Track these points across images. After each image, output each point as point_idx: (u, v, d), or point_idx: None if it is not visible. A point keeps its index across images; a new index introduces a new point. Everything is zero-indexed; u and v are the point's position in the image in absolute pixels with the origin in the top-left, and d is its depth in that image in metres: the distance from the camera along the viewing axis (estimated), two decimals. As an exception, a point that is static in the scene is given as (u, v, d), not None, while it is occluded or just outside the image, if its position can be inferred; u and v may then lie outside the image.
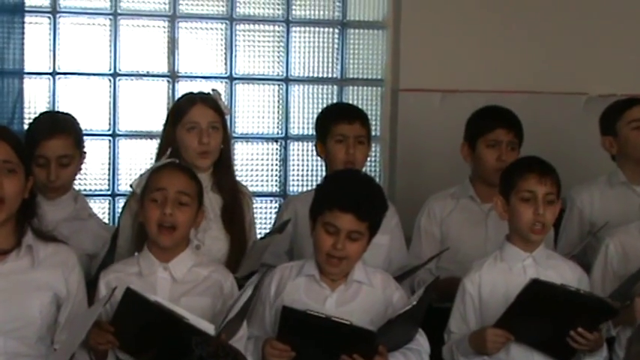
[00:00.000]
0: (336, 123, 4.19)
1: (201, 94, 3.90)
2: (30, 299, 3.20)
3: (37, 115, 4.14)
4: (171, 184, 3.38)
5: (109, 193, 5.22)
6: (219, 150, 3.85)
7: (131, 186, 3.48)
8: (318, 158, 4.45)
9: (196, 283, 3.43)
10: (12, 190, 3.13)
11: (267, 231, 4.61)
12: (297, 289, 3.43)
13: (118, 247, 3.71)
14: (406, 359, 3.41)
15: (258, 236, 4.16)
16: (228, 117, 3.90)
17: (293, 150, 5.43)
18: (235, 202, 3.89)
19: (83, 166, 4.06)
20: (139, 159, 5.20)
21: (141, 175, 3.48)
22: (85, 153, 4.02)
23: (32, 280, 3.20)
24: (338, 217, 3.36)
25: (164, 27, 5.23)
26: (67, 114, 4.15)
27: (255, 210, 4.20)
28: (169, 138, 3.82)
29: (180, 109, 3.85)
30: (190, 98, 3.87)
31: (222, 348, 2.00)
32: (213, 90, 3.94)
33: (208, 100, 3.86)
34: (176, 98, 5.08)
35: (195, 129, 3.80)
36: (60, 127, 3.92)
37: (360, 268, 3.49)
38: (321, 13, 5.42)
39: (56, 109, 5.04)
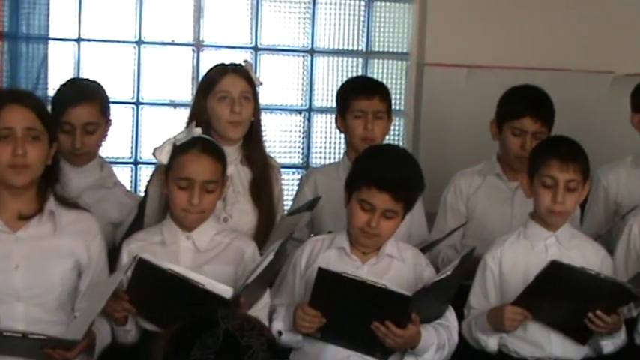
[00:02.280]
0: (355, 98, 4.18)
1: (232, 64, 3.86)
2: (51, 265, 3.20)
3: (63, 82, 4.12)
4: (198, 174, 3.35)
5: (132, 161, 5.23)
6: (250, 122, 3.82)
7: (154, 154, 3.45)
8: (340, 131, 4.46)
9: (218, 251, 3.44)
10: (36, 157, 3.13)
11: (290, 203, 4.62)
12: (327, 261, 3.42)
13: (145, 216, 3.70)
14: (437, 333, 3.39)
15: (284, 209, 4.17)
16: (258, 89, 3.87)
17: (316, 122, 5.42)
18: (264, 175, 3.87)
19: (108, 134, 4.06)
20: (162, 127, 5.19)
21: (163, 144, 3.44)
22: (110, 121, 4.00)
23: (54, 247, 3.21)
24: (374, 196, 3.35)
25: (190, -5, 5.23)
26: (93, 81, 4.14)
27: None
28: (200, 108, 3.79)
29: (212, 79, 3.81)
30: (222, 68, 3.83)
31: (247, 321, 2.00)
32: (245, 61, 3.92)
33: (240, 71, 3.82)
34: (200, 68, 5.12)
35: (227, 98, 3.76)
36: (86, 94, 3.91)
37: (392, 242, 3.48)
38: (348, -16, 5.41)
39: (80, 76, 5.04)
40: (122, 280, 3.17)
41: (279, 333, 3.33)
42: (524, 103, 4.16)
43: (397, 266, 3.48)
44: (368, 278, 3.23)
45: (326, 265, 3.33)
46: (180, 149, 3.40)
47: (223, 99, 3.76)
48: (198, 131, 3.47)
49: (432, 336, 3.37)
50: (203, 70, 4.16)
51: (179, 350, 1.94)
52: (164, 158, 3.41)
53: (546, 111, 4.16)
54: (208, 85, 3.81)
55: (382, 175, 3.37)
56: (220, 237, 3.46)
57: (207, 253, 3.42)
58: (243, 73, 3.82)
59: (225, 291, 3.10)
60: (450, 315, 3.47)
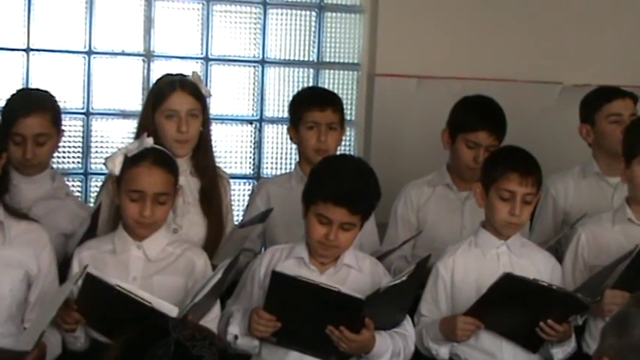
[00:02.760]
0: (308, 110, 4.18)
1: (181, 78, 3.84)
2: (0, 276, 3.18)
3: (13, 92, 4.08)
4: (150, 187, 3.34)
5: (82, 171, 5.19)
6: (199, 134, 3.81)
7: (105, 164, 3.44)
8: (293, 141, 4.47)
9: (169, 262, 3.43)
10: None
11: (240, 213, 4.60)
12: (286, 272, 3.43)
13: (97, 227, 3.69)
14: (393, 340, 3.40)
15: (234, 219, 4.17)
16: (209, 100, 3.86)
17: (267, 132, 5.41)
18: (214, 186, 3.87)
19: (59, 144, 4.02)
20: (112, 138, 5.17)
21: (114, 154, 3.42)
22: (62, 131, 3.97)
23: (3, 258, 3.19)
24: (331, 210, 3.34)
25: (140, 5, 5.18)
26: (44, 91, 4.09)
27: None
28: (148, 121, 3.78)
29: (160, 95, 3.79)
30: (170, 83, 3.81)
31: (199, 331, 1.99)
32: (193, 73, 3.90)
33: (188, 86, 3.80)
34: (151, 78, 5.10)
35: (174, 117, 3.76)
36: (37, 104, 3.87)
37: (350, 252, 3.49)
38: (299, -5, 5.41)
39: (29, 86, 5.00)
40: (72, 290, 3.14)
41: (235, 337, 3.32)
42: (480, 116, 4.16)
43: (355, 276, 3.48)
44: (321, 282, 3.25)
45: None
46: (131, 160, 3.38)
47: (170, 117, 3.76)
48: (150, 142, 3.44)
49: (386, 342, 3.38)
50: (153, 81, 4.14)
51: (130, 360, 1.94)
52: (116, 169, 3.38)
53: (501, 125, 4.18)
54: (156, 100, 3.80)
55: (338, 189, 3.36)
56: (172, 247, 3.45)
57: (158, 264, 3.41)
58: (191, 89, 3.80)
59: (171, 310, 3.08)
60: (408, 324, 3.49)
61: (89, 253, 3.39)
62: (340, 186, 3.37)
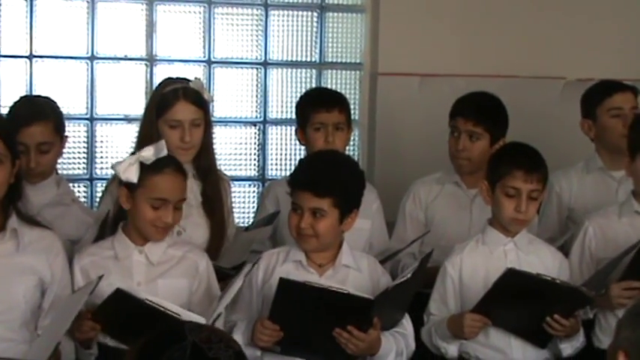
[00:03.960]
0: (315, 111, 4.20)
1: (184, 87, 3.82)
2: (14, 283, 3.19)
3: (16, 100, 4.09)
4: (174, 194, 3.40)
5: (87, 177, 5.20)
6: (201, 141, 3.82)
7: (115, 169, 3.44)
8: (297, 142, 4.49)
9: (172, 264, 3.45)
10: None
11: (246, 215, 4.62)
12: (286, 275, 3.43)
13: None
14: (395, 340, 3.42)
15: (237, 221, 4.17)
16: (212, 104, 3.87)
17: (271, 134, 5.41)
18: (216, 189, 3.89)
19: (63, 151, 4.03)
20: (117, 142, 5.17)
21: (126, 161, 3.42)
22: (66, 137, 3.99)
23: (17, 264, 3.20)
24: (299, 196, 3.40)
25: (142, 10, 5.18)
26: (46, 98, 4.10)
27: (233, 194, 4.19)
28: (151, 127, 3.79)
29: (163, 104, 3.80)
30: (173, 92, 3.81)
31: (215, 334, 2.00)
32: (195, 79, 3.89)
33: (190, 95, 3.80)
34: (154, 82, 5.09)
35: (178, 127, 3.77)
36: (39, 113, 3.88)
37: (347, 252, 3.51)
38: (300, -4, 5.41)
39: (33, 93, 5.00)
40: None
41: None
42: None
43: (354, 276, 3.49)
44: (330, 285, 3.25)
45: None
46: (152, 168, 3.39)
47: (173, 127, 3.77)
48: (165, 150, 3.46)
49: (390, 343, 3.39)
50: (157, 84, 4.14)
51: (147, 364, 1.94)
52: (133, 176, 3.38)
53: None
54: (159, 109, 3.80)
55: (302, 174, 3.44)
56: (173, 250, 3.48)
57: (161, 267, 3.43)
58: (194, 98, 3.81)
59: (200, 321, 3.08)
60: (407, 322, 3.50)
61: (90, 260, 3.41)
62: (304, 171, 3.45)
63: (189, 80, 3.88)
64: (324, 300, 3.22)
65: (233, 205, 4.13)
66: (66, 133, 4.01)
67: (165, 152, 3.44)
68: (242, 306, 3.50)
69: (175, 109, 3.78)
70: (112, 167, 3.45)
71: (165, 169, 3.39)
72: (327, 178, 3.40)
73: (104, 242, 3.50)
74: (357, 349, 3.30)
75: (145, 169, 3.39)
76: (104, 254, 3.42)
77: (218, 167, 4.00)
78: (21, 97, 4.18)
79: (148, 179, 3.38)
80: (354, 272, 3.50)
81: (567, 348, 3.63)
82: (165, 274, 3.42)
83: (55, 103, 4.03)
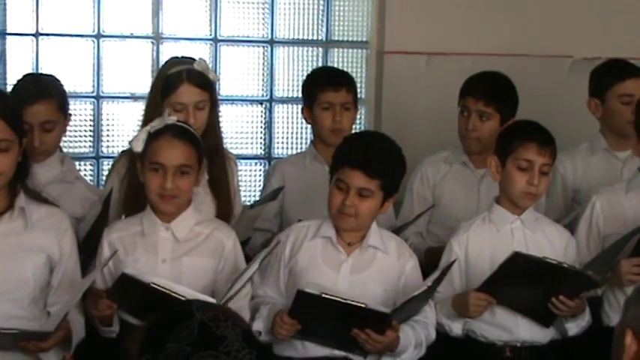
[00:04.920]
0: (322, 90, 4.20)
1: (188, 69, 3.78)
2: (23, 261, 3.20)
3: (19, 78, 4.08)
4: (170, 159, 3.34)
5: (94, 155, 5.20)
6: (206, 121, 3.81)
7: (130, 143, 3.44)
8: (303, 121, 4.49)
9: (198, 242, 3.44)
10: (7, 165, 3.14)
11: (252, 193, 4.62)
12: (313, 251, 3.45)
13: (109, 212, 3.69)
14: (414, 332, 3.43)
15: (243, 199, 4.17)
16: (218, 82, 3.85)
17: (278, 112, 5.41)
18: (223, 167, 3.88)
19: (68, 129, 4.02)
20: (123, 121, 5.17)
21: (139, 133, 3.43)
22: (70, 115, 3.97)
23: (25, 242, 3.20)
24: (347, 174, 3.38)
25: (149, -13, 5.19)
26: (50, 76, 4.08)
27: (239, 173, 4.19)
28: (157, 109, 3.75)
29: (167, 86, 3.77)
30: (177, 75, 3.77)
31: (222, 313, 2.00)
32: (199, 59, 3.85)
33: (194, 77, 3.77)
34: (160, 60, 5.08)
35: (182, 110, 3.74)
36: (42, 92, 3.86)
37: (375, 232, 3.50)
38: (307, -26, 5.39)
39: (39, 71, 5.00)
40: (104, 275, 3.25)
41: (259, 333, 3.35)
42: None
43: (381, 258, 3.50)
44: (347, 298, 3.24)
45: (311, 255, 3.40)
46: (153, 136, 3.39)
47: (178, 110, 3.75)
48: (173, 118, 3.47)
49: (409, 336, 3.40)
50: (162, 63, 4.13)
51: (154, 343, 1.94)
52: (139, 146, 3.38)
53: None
54: (164, 90, 3.77)
55: (353, 153, 3.42)
56: (200, 227, 3.45)
57: (187, 244, 3.42)
58: (198, 80, 3.77)
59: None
60: (429, 309, 3.51)
61: (118, 236, 3.41)
62: (357, 150, 3.43)
63: (194, 60, 3.86)
64: (341, 310, 3.23)
65: (239, 183, 4.13)
66: (70, 112, 4.00)
67: (172, 120, 3.44)
68: (270, 279, 3.51)
69: (179, 91, 3.76)
70: (129, 143, 3.46)
71: (163, 135, 3.37)
72: (380, 160, 3.40)
73: (133, 218, 3.49)
74: (374, 349, 3.33)
75: (149, 138, 3.39)
76: (132, 230, 3.42)
77: (224, 146, 3.99)
78: (24, 75, 4.15)
79: (149, 147, 3.38)
80: (381, 254, 3.50)
81: (573, 327, 3.63)
82: (191, 252, 3.41)
83: (58, 81, 4.01)
